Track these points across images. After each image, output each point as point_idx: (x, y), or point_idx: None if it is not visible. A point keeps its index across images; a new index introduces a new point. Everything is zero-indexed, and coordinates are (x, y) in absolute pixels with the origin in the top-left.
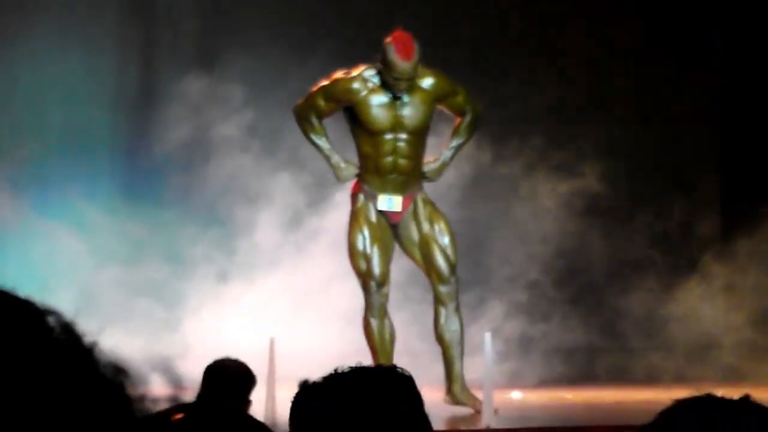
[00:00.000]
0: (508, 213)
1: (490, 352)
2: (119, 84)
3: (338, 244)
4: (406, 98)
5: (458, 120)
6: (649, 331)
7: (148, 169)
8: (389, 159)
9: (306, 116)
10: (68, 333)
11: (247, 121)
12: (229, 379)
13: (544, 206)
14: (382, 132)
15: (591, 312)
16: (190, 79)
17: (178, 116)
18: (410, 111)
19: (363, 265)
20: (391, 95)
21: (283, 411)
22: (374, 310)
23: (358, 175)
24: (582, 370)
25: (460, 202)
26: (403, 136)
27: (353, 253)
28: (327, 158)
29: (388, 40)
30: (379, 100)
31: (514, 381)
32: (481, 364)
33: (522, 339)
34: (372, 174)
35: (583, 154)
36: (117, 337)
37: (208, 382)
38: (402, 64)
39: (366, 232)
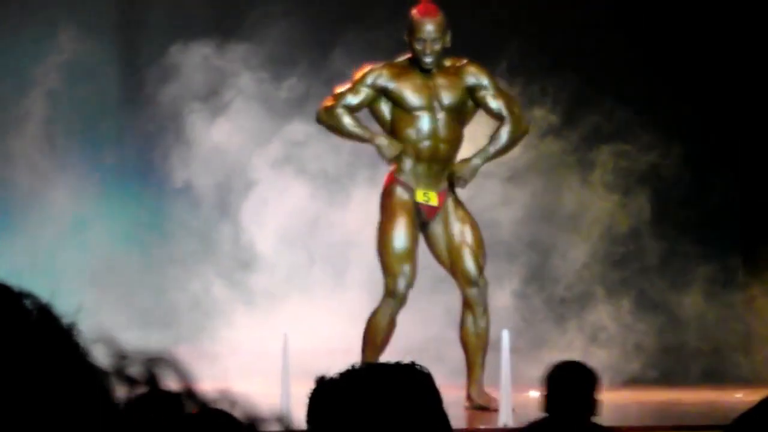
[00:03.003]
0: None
1: (506, 350)
2: (127, 57)
3: (351, 237)
4: (440, 80)
5: (498, 125)
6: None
7: (155, 152)
8: (428, 143)
9: (334, 111)
10: (45, 316)
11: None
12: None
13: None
14: (421, 108)
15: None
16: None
17: (192, 91)
18: (444, 87)
19: (396, 267)
20: (421, 74)
21: (297, 407)
22: (388, 310)
23: (396, 167)
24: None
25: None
26: (441, 115)
27: (388, 251)
28: (370, 140)
29: (413, 9)
30: (412, 80)
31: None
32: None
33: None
34: (410, 162)
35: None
36: (118, 329)
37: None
38: (424, 20)
39: (406, 231)
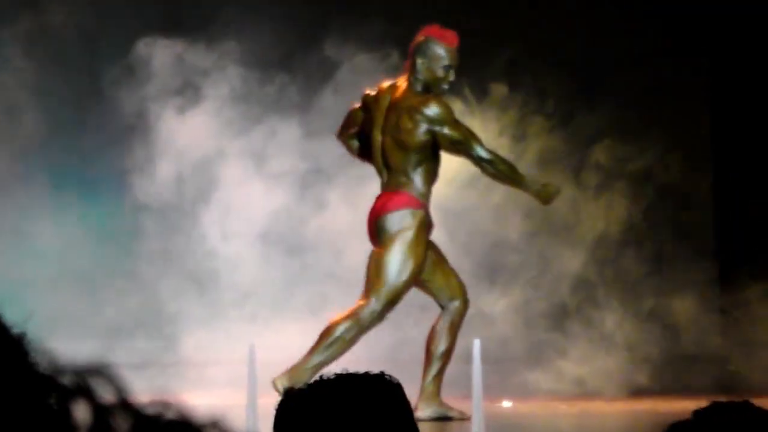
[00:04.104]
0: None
1: (478, 359)
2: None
3: (323, 246)
4: None
5: None
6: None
7: (118, 152)
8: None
9: (496, 157)
10: None
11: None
12: None
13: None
14: None
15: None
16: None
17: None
18: None
19: (399, 298)
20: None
21: (265, 419)
22: (356, 332)
23: (423, 193)
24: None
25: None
26: None
27: (409, 277)
28: (528, 185)
29: (424, 36)
30: None
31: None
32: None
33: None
34: (431, 184)
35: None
36: (77, 341)
37: None
38: (455, 50)
39: (421, 265)
